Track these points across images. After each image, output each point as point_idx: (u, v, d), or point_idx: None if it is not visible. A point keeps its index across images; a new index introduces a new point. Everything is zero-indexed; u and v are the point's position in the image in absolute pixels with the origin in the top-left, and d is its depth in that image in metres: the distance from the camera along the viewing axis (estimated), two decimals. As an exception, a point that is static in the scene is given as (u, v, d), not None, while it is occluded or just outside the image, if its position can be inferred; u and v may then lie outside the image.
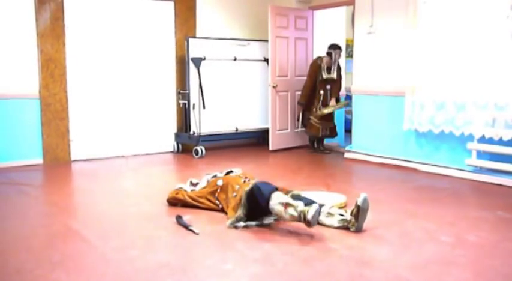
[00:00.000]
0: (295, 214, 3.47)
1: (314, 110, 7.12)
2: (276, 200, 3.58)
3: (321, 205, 3.80)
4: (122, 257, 3.16)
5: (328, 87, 7.07)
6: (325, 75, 7.05)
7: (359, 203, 3.58)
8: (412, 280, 2.83)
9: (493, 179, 5.22)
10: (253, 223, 3.73)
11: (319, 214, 3.55)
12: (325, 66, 7.04)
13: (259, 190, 3.68)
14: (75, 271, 2.96)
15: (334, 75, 7.06)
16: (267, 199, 3.61)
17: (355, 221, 3.60)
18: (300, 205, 3.51)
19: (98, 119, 6.72)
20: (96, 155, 6.69)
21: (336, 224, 3.68)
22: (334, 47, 7.07)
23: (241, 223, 3.72)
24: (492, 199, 4.66)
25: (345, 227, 3.65)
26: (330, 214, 3.72)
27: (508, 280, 2.90)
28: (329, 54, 7.04)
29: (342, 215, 3.70)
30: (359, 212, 3.58)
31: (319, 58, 7.13)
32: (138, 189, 5.13)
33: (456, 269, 2.97)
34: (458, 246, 3.37)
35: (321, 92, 7.05)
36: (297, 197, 3.90)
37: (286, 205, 3.53)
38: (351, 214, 3.64)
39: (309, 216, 3.38)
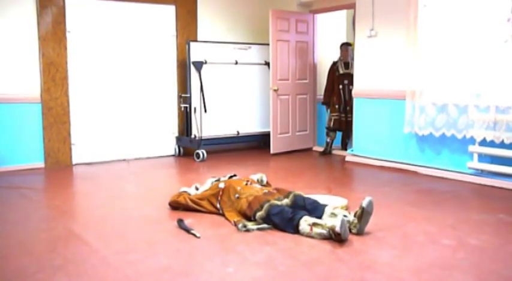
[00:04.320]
0: (324, 231, 3.49)
1: (333, 106, 7.39)
2: (304, 224, 3.59)
3: (324, 205, 3.82)
4: (123, 261, 3.16)
5: (346, 82, 7.29)
6: (341, 71, 7.33)
7: (364, 205, 3.59)
8: (414, 284, 2.83)
9: (495, 182, 5.22)
10: (255, 226, 3.74)
11: (348, 224, 3.57)
12: (342, 63, 7.35)
13: (282, 222, 3.69)
14: (77, 274, 2.96)
15: (351, 70, 7.20)
16: (296, 226, 3.62)
17: (358, 223, 3.60)
18: (327, 222, 3.53)
19: (99, 123, 6.73)
20: (97, 159, 6.70)
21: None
22: (342, 44, 7.49)
23: (252, 226, 3.74)
24: (493, 202, 4.65)
25: (348, 227, 3.65)
26: (333, 214, 3.73)
27: (510, 284, 2.91)
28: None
29: (345, 216, 3.71)
30: (363, 215, 3.59)
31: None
32: (139, 193, 5.14)
33: (458, 273, 2.97)
34: (459, 249, 3.36)
35: (340, 86, 7.30)
36: (299, 198, 3.91)
37: (313, 225, 3.55)
38: (355, 216, 3.65)
39: (337, 229, 3.38)
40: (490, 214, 4.22)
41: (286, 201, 3.91)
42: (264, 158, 7.11)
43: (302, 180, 5.66)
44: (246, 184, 4.28)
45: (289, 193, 4.05)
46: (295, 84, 7.60)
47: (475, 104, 5.33)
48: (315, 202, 3.91)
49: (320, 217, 3.77)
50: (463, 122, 5.46)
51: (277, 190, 4.25)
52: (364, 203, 3.60)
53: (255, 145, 8.01)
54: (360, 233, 3.61)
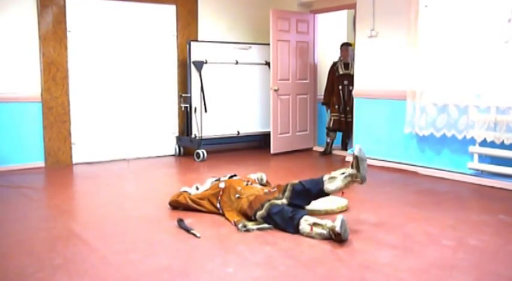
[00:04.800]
0: (324, 231, 3.49)
1: (333, 106, 7.41)
2: (304, 223, 3.60)
3: (321, 177, 3.85)
4: (123, 261, 3.16)
5: (346, 82, 7.29)
6: (341, 71, 7.35)
7: (356, 153, 3.67)
8: (414, 284, 2.83)
9: (495, 183, 5.21)
10: (255, 226, 3.74)
11: (352, 179, 3.69)
12: (342, 63, 7.36)
13: (283, 222, 3.69)
14: (77, 274, 2.96)
15: (351, 71, 7.20)
16: (296, 225, 3.62)
17: (358, 172, 3.66)
18: (327, 222, 3.53)
19: (99, 122, 6.73)
20: (97, 159, 6.70)
21: (342, 184, 3.72)
22: (342, 44, 7.49)
23: (252, 226, 3.74)
24: (494, 203, 4.65)
25: (352, 183, 3.71)
26: (332, 178, 3.74)
27: (510, 284, 2.90)
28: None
29: (344, 173, 3.73)
30: (358, 162, 3.66)
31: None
32: (139, 192, 5.14)
33: (458, 273, 2.97)
34: (459, 250, 3.36)
35: (339, 87, 7.32)
36: (296, 186, 3.88)
37: (313, 225, 3.56)
38: (352, 167, 3.71)
39: (337, 229, 3.39)
40: (490, 214, 4.21)
41: (283, 201, 3.88)
42: (264, 158, 7.11)
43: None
44: (247, 184, 4.28)
45: (286, 185, 3.99)
46: (296, 84, 7.60)
47: (475, 104, 5.33)
48: (312, 180, 3.90)
49: (322, 189, 3.78)
50: (463, 123, 5.46)
51: (278, 186, 4.22)
52: (356, 151, 3.68)
53: (255, 145, 8.01)
54: (363, 180, 3.69)
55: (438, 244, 3.48)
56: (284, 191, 3.93)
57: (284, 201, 3.85)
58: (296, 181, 3.98)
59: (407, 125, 5.98)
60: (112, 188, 5.31)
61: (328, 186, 3.77)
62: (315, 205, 4.04)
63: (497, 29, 5.13)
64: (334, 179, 3.74)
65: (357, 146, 3.71)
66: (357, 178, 3.68)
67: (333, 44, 7.96)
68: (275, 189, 4.16)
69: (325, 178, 3.80)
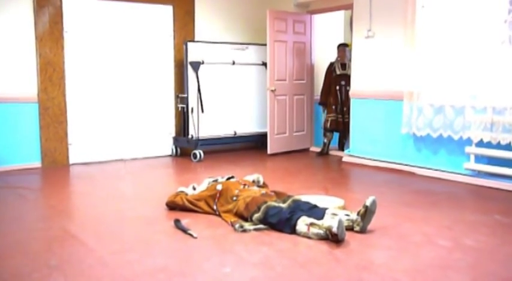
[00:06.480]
0: (321, 231, 3.49)
1: (329, 107, 7.41)
2: (302, 224, 3.59)
3: (324, 208, 3.82)
4: (119, 261, 3.16)
5: (343, 82, 7.30)
6: (338, 71, 7.35)
7: (367, 204, 3.62)
8: (410, 284, 2.84)
9: (491, 183, 5.22)
10: (252, 227, 3.74)
11: (350, 223, 3.64)
12: (339, 64, 7.38)
13: (280, 222, 3.68)
14: (73, 274, 2.96)
15: (348, 71, 7.22)
16: (293, 226, 3.62)
17: (361, 221, 3.63)
18: (324, 222, 3.52)
19: (96, 123, 6.72)
20: (94, 159, 6.69)
21: (338, 224, 3.67)
22: (339, 45, 7.53)
23: (249, 226, 3.73)
24: (490, 203, 4.66)
25: (349, 227, 3.65)
26: (334, 215, 3.73)
27: (506, 284, 2.91)
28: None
29: (348, 215, 3.71)
30: (366, 213, 3.62)
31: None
32: (136, 193, 5.13)
33: (454, 274, 2.98)
34: (456, 250, 3.37)
35: (337, 87, 7.33)
36: (298, 202, 3.91)
37: (310, 225, 3.55)
38: (358, 214, 3.67)
39: (334, 229, 3.38)
40: (486, 214, 4.22)
41: (282, 205, 3.88)
42: (261, 159, 7.11)
43: (299, 180, 5.67)
44: (244, 187, 4.27)
45: (288, 197, 4.04)
46: (293, 85, 7.60)
47: (471, 105, 5.34)
48: (315, 206, 3.88)
49: (321, 219, 3.72)
50: (459, 123, 5.47)
51: (276, 193, 4.24)
52: (368, 202, 3.63)
53: (252, 145, 8.01)
54: (362, 231, 3.64)
55: (434, 244, 3.48)
56: (285, 201, 3.93)
57: (282, 205, 3.85)
58: (299, 198, 3.98)
59: (405, 126, 5.98)
60: (109, 189, 5.30)
61: (328, 220, 3.64)
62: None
63: (494, 29, 5.14)
64: (335, 216, 3.62)
65: (371, 197, 3.65)
66: (358, 225, 3.65)
67: (330, 45, 7.96)
68: (273, 193, 4.17)
69: (328, 211, 3.77)
